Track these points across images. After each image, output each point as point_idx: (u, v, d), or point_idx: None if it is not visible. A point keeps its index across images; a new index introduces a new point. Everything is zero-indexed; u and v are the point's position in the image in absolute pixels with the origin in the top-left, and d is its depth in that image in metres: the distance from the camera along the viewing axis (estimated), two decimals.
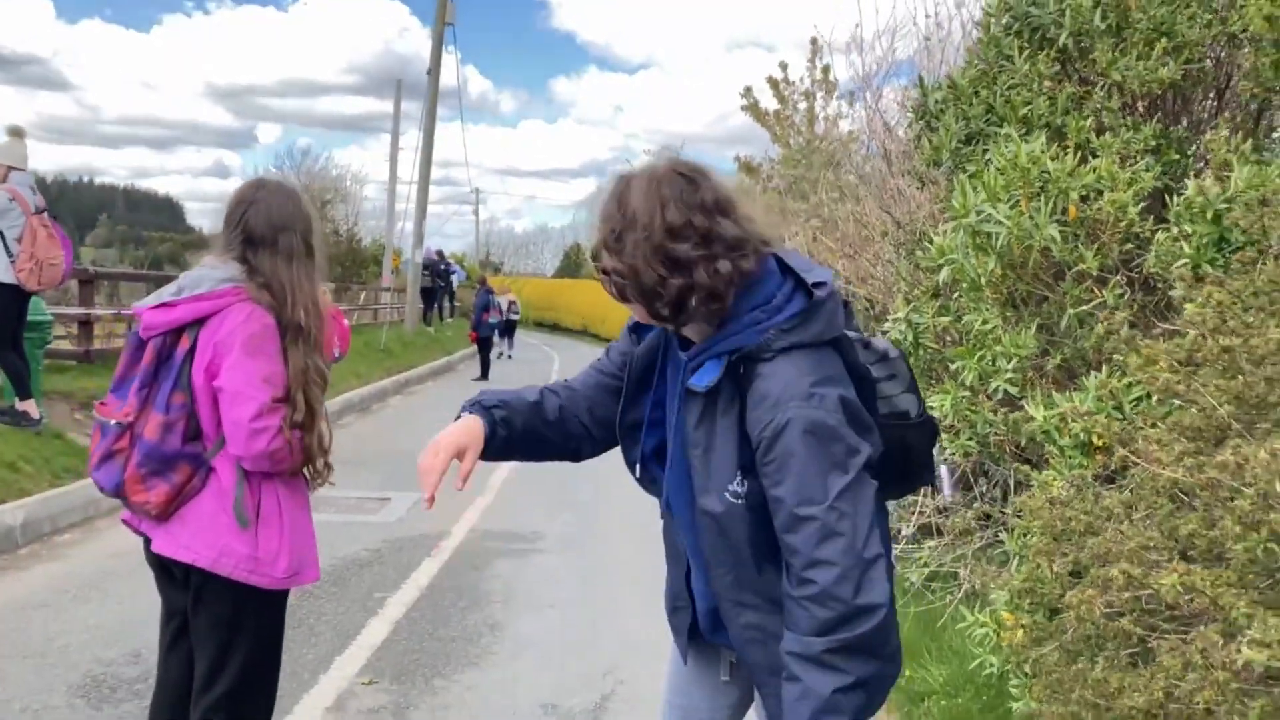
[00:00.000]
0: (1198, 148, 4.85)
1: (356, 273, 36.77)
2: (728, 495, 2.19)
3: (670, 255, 2.13)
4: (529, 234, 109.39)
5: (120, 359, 3.30)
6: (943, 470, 5.41)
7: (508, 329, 31.16)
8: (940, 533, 6.37)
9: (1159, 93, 4.85)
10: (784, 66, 15.56)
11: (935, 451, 2.61)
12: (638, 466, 2.47)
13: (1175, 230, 3.88)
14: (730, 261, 2.15)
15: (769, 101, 15.58)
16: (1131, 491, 3.17)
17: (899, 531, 6.61)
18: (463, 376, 23.58)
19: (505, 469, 11.46)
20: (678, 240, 2.13)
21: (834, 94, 15.03)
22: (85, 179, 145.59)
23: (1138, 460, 3.02)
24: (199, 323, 3.18)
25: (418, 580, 7.04)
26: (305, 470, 3.34)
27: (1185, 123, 5.09)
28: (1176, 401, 3.20)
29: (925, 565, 6.22)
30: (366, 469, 10.69)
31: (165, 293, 3.24)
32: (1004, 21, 5.52)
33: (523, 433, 2.50)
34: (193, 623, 3.30)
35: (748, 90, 15.85)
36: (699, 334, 2.25)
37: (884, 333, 5.91)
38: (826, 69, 15.03)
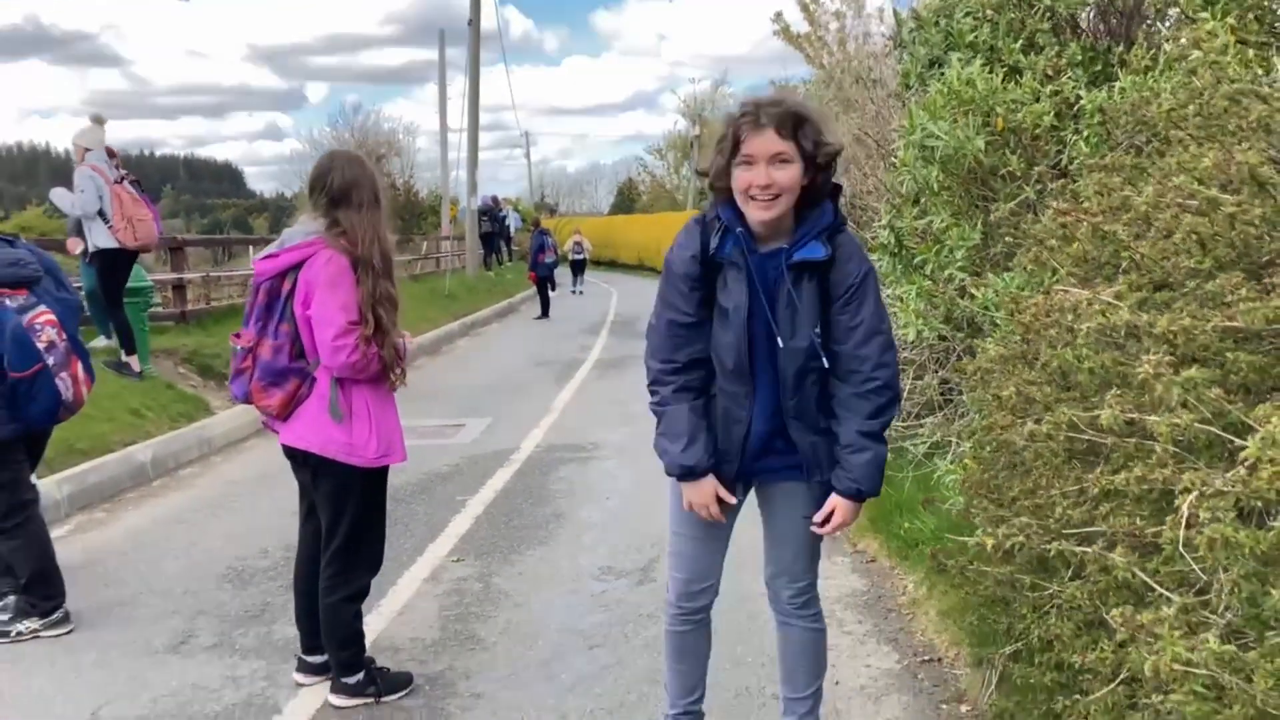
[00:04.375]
0: (1119, 59, 5.61)
1: (416, 224, 37.60)
2: (814, 336, 3.23)
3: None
4: (581, 173, 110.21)
5: (248, 301, 4.32)
6: None
7: (578, 267, 32.05)
8: (941, 408, 7.19)
9: (1082, 13, 5.62)
10: None
11: None
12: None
13: (1086, 132, 4.69)
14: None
15: (801, 24, 15.75)
16: (1028, 344, 4.01)
17: (906, 411, 7.42)
18: (524, 316, 24.54)
19: (568, 392, 12.44)
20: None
21: (862, 12, 15.26)
22: (146, 152, 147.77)
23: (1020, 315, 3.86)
24: (296, 268, 4.17)
25: (493, 485, 8.02)
26: (389, 375, 4.31)
27: (1109, 38, 5.84)
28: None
29: (926, 440, 7.02)
30: (441, 401, 11.69)
31: (271, 248, 4.26)
32: None
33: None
34: (315, 496, 4.34)
35: (778, 14, 16.06)
36: (769, 234, 3.24)
37: (873, 236, 6.73)
38: None
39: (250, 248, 22.42)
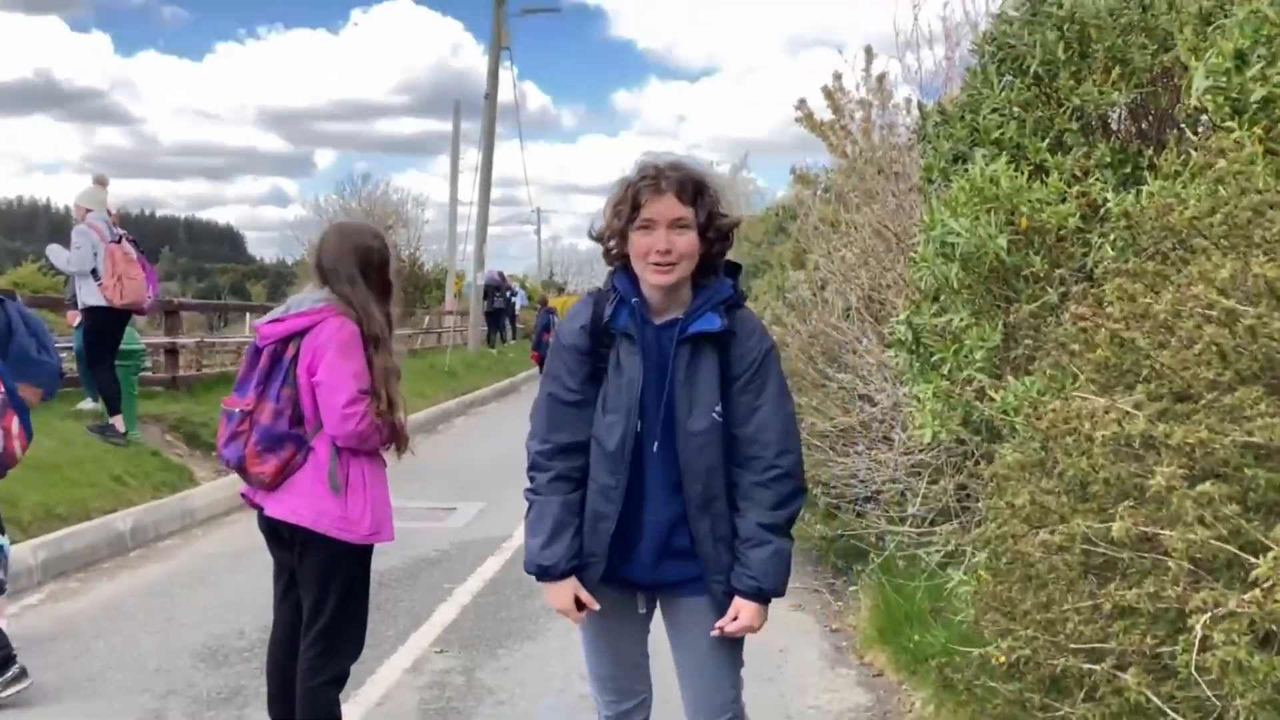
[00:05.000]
0: (1149, 162, 5.69)
1: (420, 297, 37.85)
2: (714, 415, 3.17)
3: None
4: (592, 252, 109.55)
5: (241, 365, 4.41)
6: None
7: None
8: (957, 515, 7.19)
9: (1112, 114, 5.72)
10: (838, 76, 15.87)
11: None
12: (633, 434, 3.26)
13: (1112, 236, 4.76)
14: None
15: (824, 112, 15.80)
16: (1046, 452, 4.04)
17: (918, 516, 7.42)
18: (526, 396, 24.52)
19: None
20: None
21: (889, 102, 15.34)
22: (146, 211, 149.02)
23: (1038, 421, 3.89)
24: (302, 333, 4.25)
25: (483, 574, 8.01)
26: (387, 451, 4.37)
27: (1139, 140, 5.93)
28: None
29: (941, 549, 7.00)
30: (433, 483, 11.69)
31: (277, 311, 4.36)
32: (990, 50, 6.41)
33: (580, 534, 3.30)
34: (299, 573, 4.35)
35: (801, 102, 16.14)
36: (665, 305, 3.21)
37: (890, 332, 6.78)
38: (882, 77, 15.27)
39: (247, 314, 22.63)
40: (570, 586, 3.27)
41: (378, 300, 4.35)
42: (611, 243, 3.26)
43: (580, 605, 3.29)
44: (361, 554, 4.36)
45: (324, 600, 4.31)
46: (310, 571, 4.32)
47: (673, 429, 3.19)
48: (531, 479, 3.32)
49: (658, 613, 3.47)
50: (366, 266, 4.37)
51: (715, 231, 3.20)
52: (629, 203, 3.16)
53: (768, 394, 3.20)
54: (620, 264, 3.28)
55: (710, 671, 3.37)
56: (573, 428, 3.26)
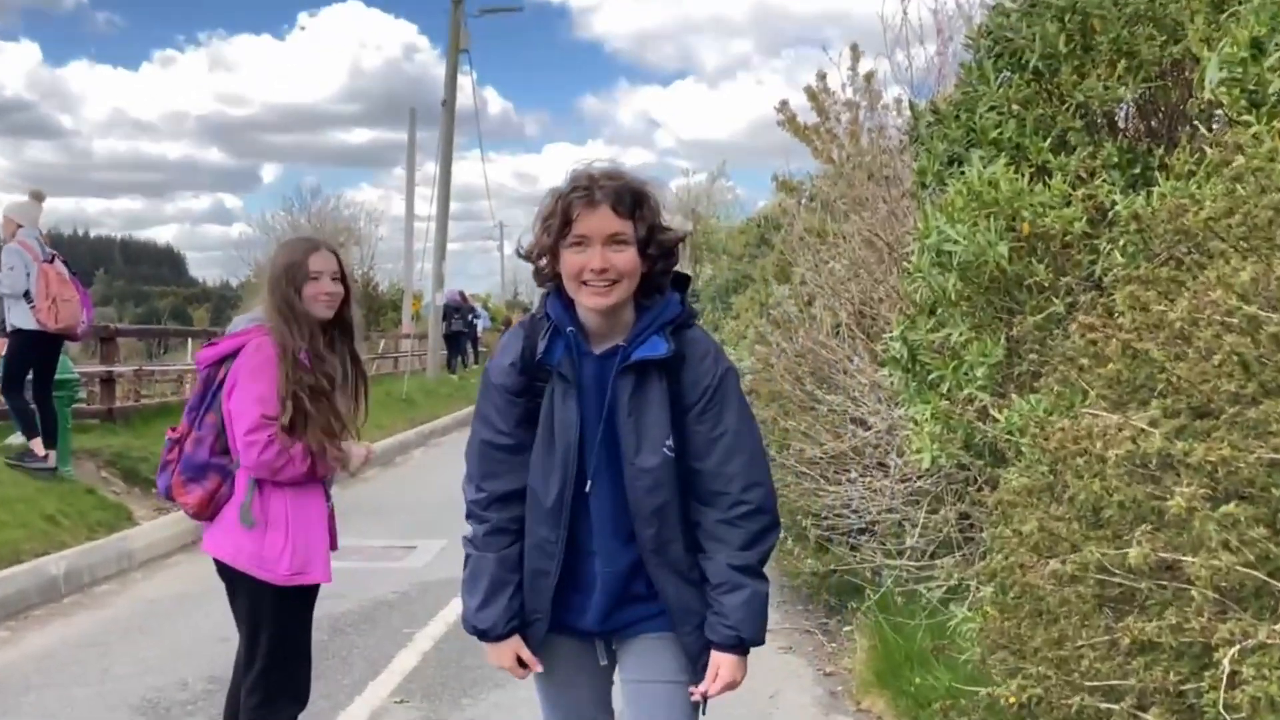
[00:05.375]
0: (1160, 161, 5.70)
1: (375, 320, 37.75)
2: (665, 450, 3.04)
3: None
4: None
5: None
6: None
7: None
8: (960, 546, 7.16)
9: (1119, 111, 5.73)
10: (823, 76, 15.76)
11: None
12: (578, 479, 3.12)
13: (1121, 241, 4.75)
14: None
15: (809, 114, 15.60)
16: (1055, 475, 4.02)
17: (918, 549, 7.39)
18: None
19: None
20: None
21: (878, 102, 15.17)
22: (80, 231, 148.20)
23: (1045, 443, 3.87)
24: (234, 355, 4.27)
25: (445, 617, 7.94)
26: (325, 481, 4.38)
27: (1149, 138, 5.95)
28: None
29: (943, 583, 6.96)
30: (391, 519, 11.63)
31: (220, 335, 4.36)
32: (985, 44, 6.42)
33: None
34: (233, 612, 4.37)
35: (784, 104, 15.94)
36: (605, 331, 3.08)
37: (884, 349, 6.77)
38: (870, 76, 15.07)
39: (189, 340, 22.49)
40: (511, 647, 3.18)
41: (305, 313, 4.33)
42: (542, 261, 3.12)
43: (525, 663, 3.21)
44: (293, 595, 4.33)
45: (255, 642, 4.31)
46: (239, 611, 4.34)
47: (618, 469, 3.08)
48: (469, 530, 3.23)
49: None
50: (285, 279, 4.38)
51: (657, 247, 3.06)
52: (559, 216, 3.02)
53: (727, 421, 3.08)
54: (553, 285, 3.14)
55: (662, 717, 3.22)
56: (509, 475, 3.14)
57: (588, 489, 3.09)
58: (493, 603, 3.14)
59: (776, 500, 3.19)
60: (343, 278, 4.44)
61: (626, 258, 3.00)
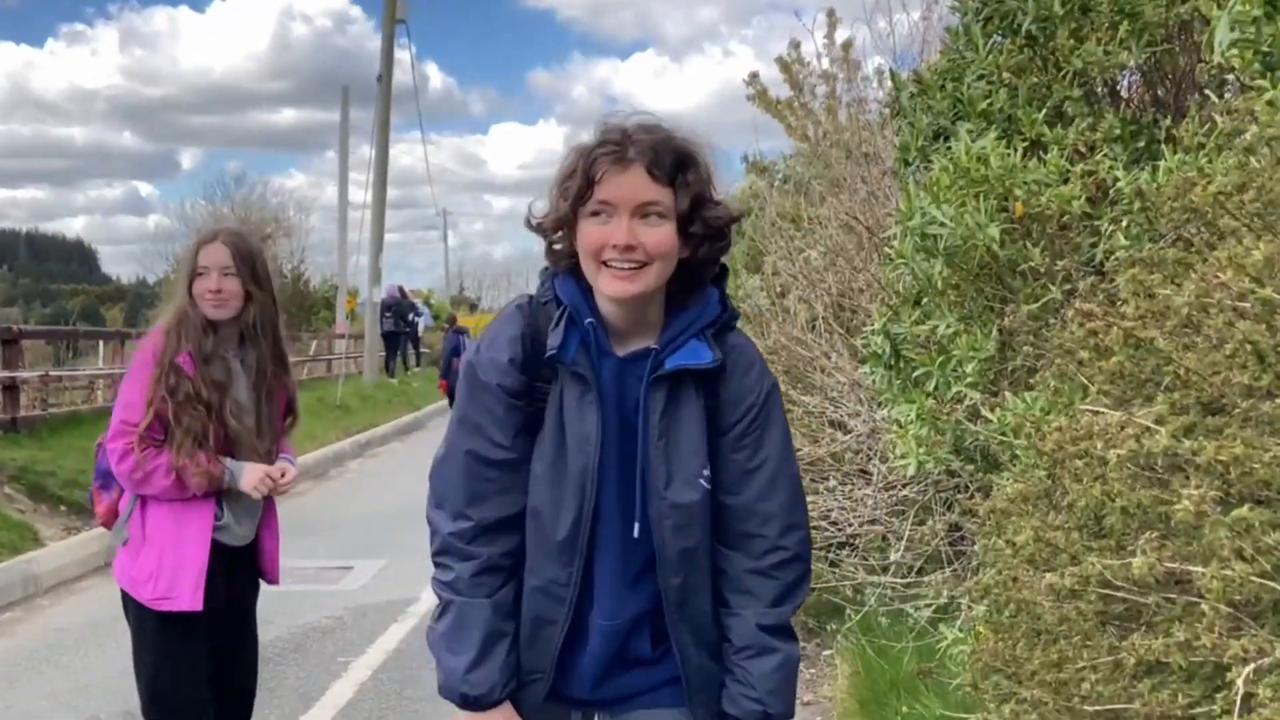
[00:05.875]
0: (1166, 133, 5.70)
1: (305, 319, 37.63)
2: (702, 482, 2.74)
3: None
4: (509, 260, 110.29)
5: None
6: None
7: None
8: (950, 561, 7.16)
9: (1121, 78, 5.74)
10: (796, 45, 15.55)
11: None
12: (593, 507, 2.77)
13: (1124, 221, 4.75)
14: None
15: (780, 88, 15.37)
16: (1052, 479, 4.01)
17: (909, 566, 7.38)
18: (433, 433, 24.36)
19: None
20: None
21: (857, 73, 14.91)
22: None
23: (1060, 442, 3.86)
24: None
25: (384, 645, 7.91)
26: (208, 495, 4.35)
27: (1154, 108, 5.96)
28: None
29: (932, 601, 6.95)
30: (325, 537, 11.55)
31: None
32: (974, 7, 6.42)
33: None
34: None
35: (753, 77, 15.70)
36: (629, 328, 2.74)
37: (864, 344, 6.76)
38: (848, 45, 14.84)
39: (101, 343, 22.28)
40: (503, 715, 2.80)
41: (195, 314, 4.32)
42: (557, 234, 2.77)
43: None
44: (169, 622, 4.29)
45: (139, 666, 4.34)
46: (131, 632, 4.38)
47: (642, 503, 2.75)
48: (445, 570, 2.79)
49: None
50: (183, 272, 4.42)
51: (702, 225, 2.70)
52: (580, 177, 2.64)
53: (769, 449, 2.79)
54: (568, 266, 2.77)
55: None
56: (502, 498, 2.76)
57: (602, 522, 2.77)
58: (488, 660, 2.74)
59: (810, 543, 2.90)
60: (247, 272, 4.37)
61: (661, 235, 2.65)
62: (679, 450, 2.75)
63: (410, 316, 37.34)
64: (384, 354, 33.96)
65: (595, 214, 2.65)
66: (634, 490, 2.76)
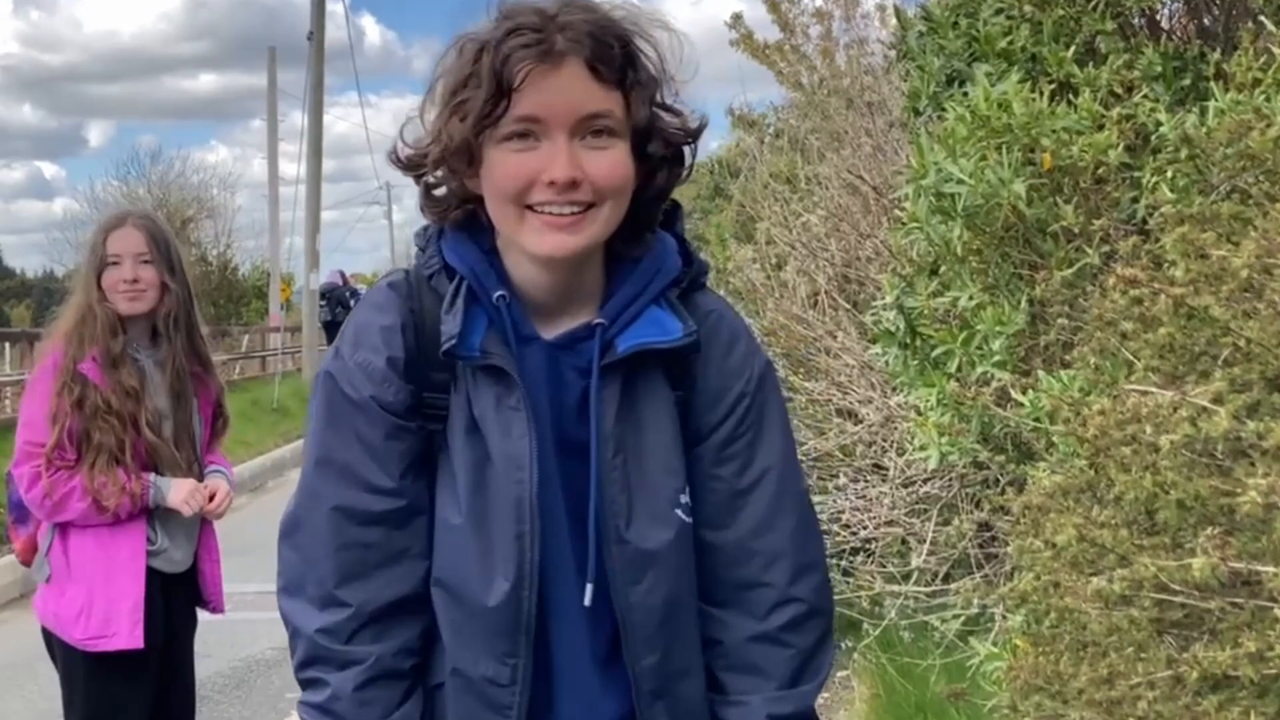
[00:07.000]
0: (1215, 69, 5.69)
1: (235, 311, 37.55)
2: (679, 512, 2.23)
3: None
4: None
5: None
6: None
7: None
8: (980, 565, 7.16)
9: (1162, 8, 5.72)
10: None
11: None
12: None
13: (1169, 171, 4.74)
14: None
15: (769, 29, 15.09)
16: (1096, 470, 4.00)
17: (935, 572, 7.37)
18: None
19: None
20: None
21: (856, 11, 14.59)
22: None
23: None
24: None
25: None
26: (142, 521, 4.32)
27: (1200, 41, 5.93)
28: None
29: (961, 611, 6.94)
30: (264, 558, 11.31)
31: None
32: None
33: None
34: None
35: (737, 18, 15.39)
36: (558, 300, 2.23)
37: (874, 321, 6.74)
38: None
39: (5, 345, 22.21)
40: None
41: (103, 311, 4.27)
42: (439, 171, 2.23)
43: None
44: (101, 664, 4.28)
45: (70, 716, 4.33)
46: (59, 677, 4.38)
47: (596, 551, 2.21)
48: (316, 688, 2.23)
49: None
50: (87, 266, 4.39)
51: (662, 144, 2.19)
52: (489, 83, 2.07)
53: (766, 460, 2.26)
54: (459, 218, 2.25)
55: None
56: (390, 570, 2.22)
57: (551, 586, 2.22)
58: None
59: (830, 587, 2.39)
60: (164, 259, 4.34)
61: (613, 161, 2.12)
62: (643, 468, 2.21)
63: (353, 304, 37.16)
64: (324, 348, 33.85)
65: (513, 137, 2.09)
66: (596, 534, 2.18)
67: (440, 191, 2.24)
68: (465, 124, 2.08)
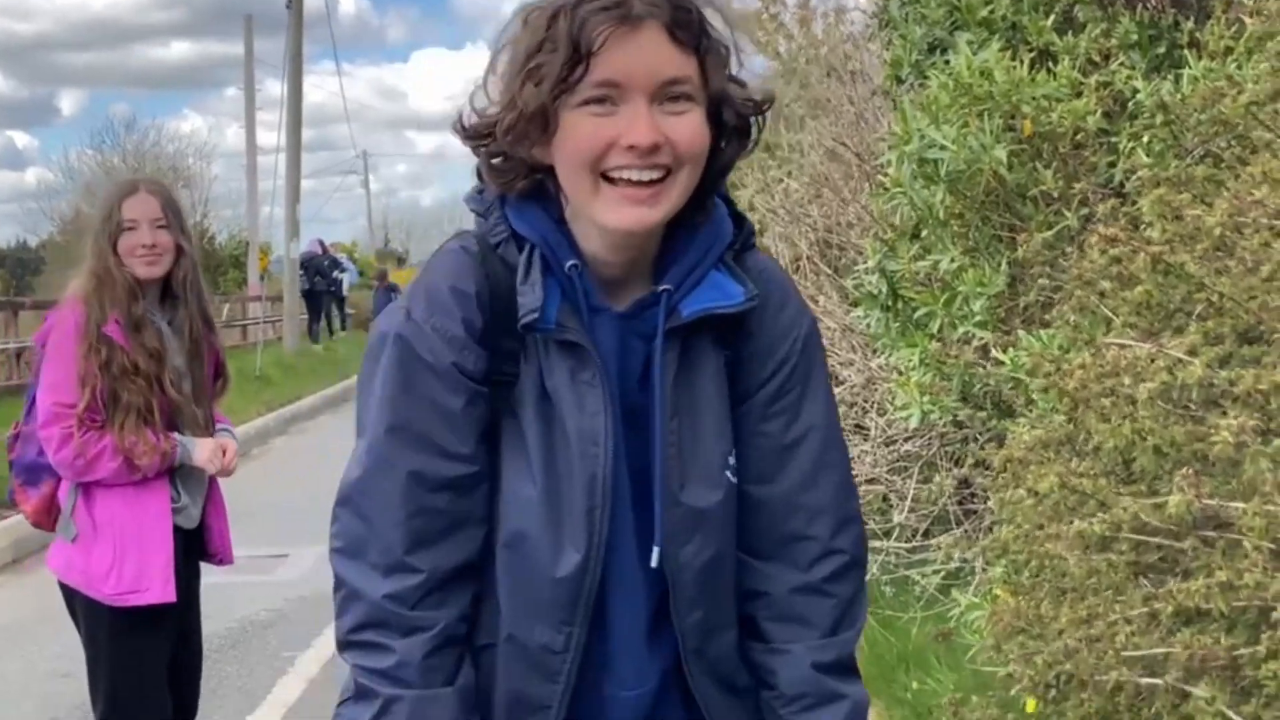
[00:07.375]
0: (1190, 38, 5.79)
1: (213, 281, 37.37)
2: (728, 474, 2.21)
3: None
4: (440, 205, 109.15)
5: None
6: None
7: None
8: (960, 521, 7.26)
9: None
10: None
11: None
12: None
13: (1145, 136, 4.88)
14: None
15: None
16: (1075, 423, 4.15)
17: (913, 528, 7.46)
18: None
19: None
20: None
21: None
22: None
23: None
24: None
25: (330, 636, 7.94)
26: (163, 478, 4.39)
27: (1175, 10, 6.06)
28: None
29: (941, 566, 7.02)
30: (255, 523, 11.50)
31: None
32: None
33: None
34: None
35: None
36: (624, 272, 2.18)
37: (856, 285, 6.87)
38: None
39: None
40: None
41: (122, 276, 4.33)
42: (511, 140, 2.11)
43: None
44: (136, 618, 4.35)
45: (95, 676, 4.36)
46: (82, 640, 4.39)
47: (644, 512, 2.18)
48: (377, 652, 2.10)
49: None
50: (97, 227, 4.41)
51: (734, 114, 2.12)
52: (566, 48, 1.99)
53: (812, 416, 2.23)
54: (525, 188, 2.15)
55: None
56: (457, 536, 2.14)
57: (613, 555, 2.17)
58: None
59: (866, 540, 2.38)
60: (177, 223, 4.42)
61: (693, 126, 2.05)
62: (697, 433, 2.18)
63: (335, 274, 37.10)
64: (305, 317, 33.84)
65: (591, 101, 2.02)
66: (651, 501, 2.15)
67: (503, 162, 2.15)
68: (541, 88, 2.01)
